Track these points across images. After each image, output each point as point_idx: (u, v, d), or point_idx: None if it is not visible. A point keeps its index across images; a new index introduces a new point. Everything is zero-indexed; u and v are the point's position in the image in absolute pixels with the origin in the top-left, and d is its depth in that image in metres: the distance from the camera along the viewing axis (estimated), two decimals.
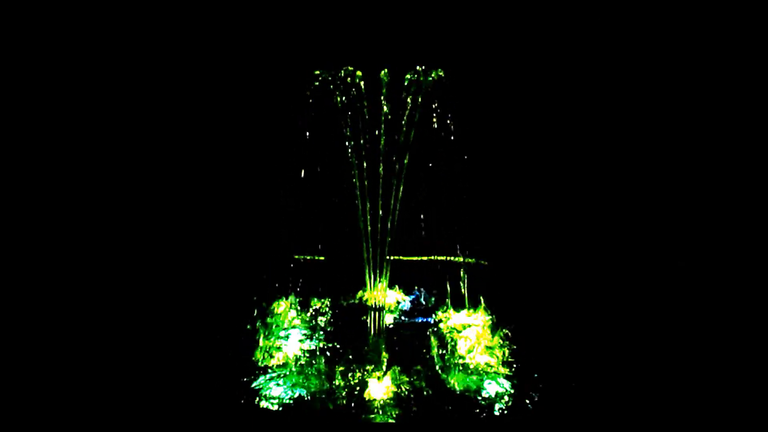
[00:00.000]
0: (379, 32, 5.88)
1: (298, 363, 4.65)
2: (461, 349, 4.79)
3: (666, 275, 6.10)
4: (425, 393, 4.39)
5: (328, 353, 4.74)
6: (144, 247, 6.20)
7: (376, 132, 4.86)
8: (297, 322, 5.11)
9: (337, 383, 4.44)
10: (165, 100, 6.32)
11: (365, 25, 5.96)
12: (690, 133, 6.34)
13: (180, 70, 6.33)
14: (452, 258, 5.39)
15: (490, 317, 5.18)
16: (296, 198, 5.19)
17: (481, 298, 5.25)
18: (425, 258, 5.60)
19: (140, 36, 6.21)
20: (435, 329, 4.98)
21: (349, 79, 4.92)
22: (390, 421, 4.17)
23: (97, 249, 6.10)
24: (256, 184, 6.21)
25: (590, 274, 6.13)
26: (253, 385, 4.45)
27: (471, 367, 4.64)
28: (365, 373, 4.52)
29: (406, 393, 4.38)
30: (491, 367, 4.66)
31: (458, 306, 5.31)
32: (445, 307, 5.34)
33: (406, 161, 4.91)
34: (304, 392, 4.38)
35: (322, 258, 5.50)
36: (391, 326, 5.01)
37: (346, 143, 4.90)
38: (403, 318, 5.21)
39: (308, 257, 5.47)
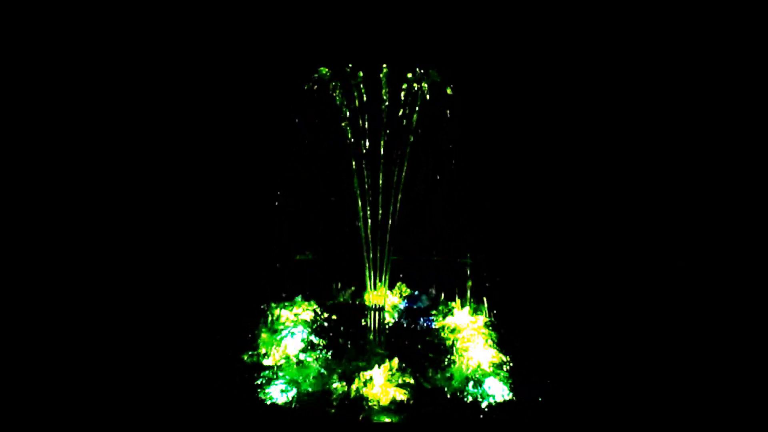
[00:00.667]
0: (379, 32, 5.89)
1: (298, 363, 4.66)
2: (460, 348, 4.79)
3: (666, 275, 6.09)
4: (424, 393, 4.39)
5: (328, 353, 4.75)
6: (144, 247, 6.21)
7: (376, 131, 4.87)
8: (297, 321, 5.11)
9: (336, 383, 4.45)
10: (164, 100, 6.32)
11: (365, 25, 5.96)
12: (690, 133, 6.34)
13: (180, 70, 6.34)
14: (452, 258, 5.39)
15: (489, 317, 5.19)
16: (296, 198, 5.19)
17: (481, 298, 5.26)
18: (425, 258, 5.60)
19: (139, 35, 6.21)
20: (434, 329, 4.98)
21: (349, 78, 4.93)
22: (390, 420, 4.18)
23: (97, 250, 6.10)
24: (256, 184, 6.21)
25: (590, 274, 6.13)
26: (253, 385, 4.46)
27: (470, 366, 4.64)
28: (365, 372, 4.53)
29: (406, 392, 4.38)
30: (490, 366, 4.67)
31: (458, 305, 5.32)
32: (444, 307, 5.35)
33: (405, 161, 4.92)
34: (304, 392, 4.39)
35: (322, 258, 5.50)
36: (391, 326, 5.01)
37: (346, 143, 4.91)
38: (402, 318, 5.21)
39: (308, 257, 5.47)
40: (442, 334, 4.96)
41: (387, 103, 4.88)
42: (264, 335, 4.96)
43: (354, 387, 4.38)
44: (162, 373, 4.53)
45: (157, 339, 4.99)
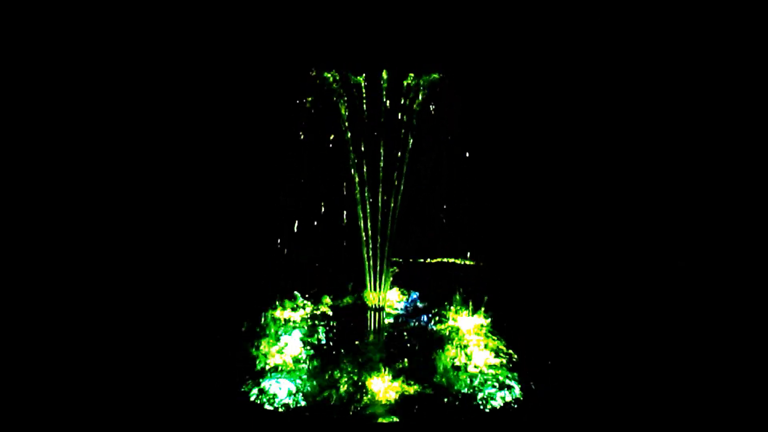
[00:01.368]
0: (379, 32, 5.87)
1: (298, 363, 4.66)
2: (458, 347, 4.79)
3: (666, 275, 6.09)
4: (424, 393, 4.39)
5: (328, 354, 4.75)
6: (144, 247, 6.21)
7: (376, 131, 4.87)
8: (297, 321, 5.12)
9: (336, 384, 4.45)
10: (164, 100, 6.31)
11: (365, 26, 5.95)
12: (690, 133, 6.33)
13: (180, 71, 6.33)
14: (452, 259, 5.39)
15: (490, 317, 5.19)
16: (296, 198, 5.19)
17: (482, 298, 5.26)
18: (425, 259, 5.60)
19: (138, 35, 6.20)
20: (434, 329, 4.98)
21: (349, 78, 4.92)
22: (390, 421, 4.18)
23: (96, 250, 6.10)
24: (256, 185, 6.21)
25: (590, 274, 6.13)
26: (252, 386, 4.46)
27: (470, 367, 4.64)
28: (365, 373, 4.53)
29: (405, 393, 4.38)
30: (490, 367, 4.67)
31: (458, 306, 5.32)
32: (444, 308, 5.35)
33: (405, 162, 4.92)
34: (302, 393, 4.39)
35: (322, 258, 5.50)
36: (391, 326, 5.01)
37: (346, 143, 4.90)
38: (402, 318, 5.21)
39: (308, 257, 5.47)
40: (442, 335, 4.96)
41: (387, 103, 4.87)
42: (263, 335, 4.96)
43: (353, 389, 4.38)
44: (160, 373, 4.53)
45: (156, 339, 4.99)
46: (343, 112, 4.91)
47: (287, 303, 5.29)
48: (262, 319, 5.10)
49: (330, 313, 5.14)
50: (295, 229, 5.24)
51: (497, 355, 4.78)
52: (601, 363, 4.82)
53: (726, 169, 6.28)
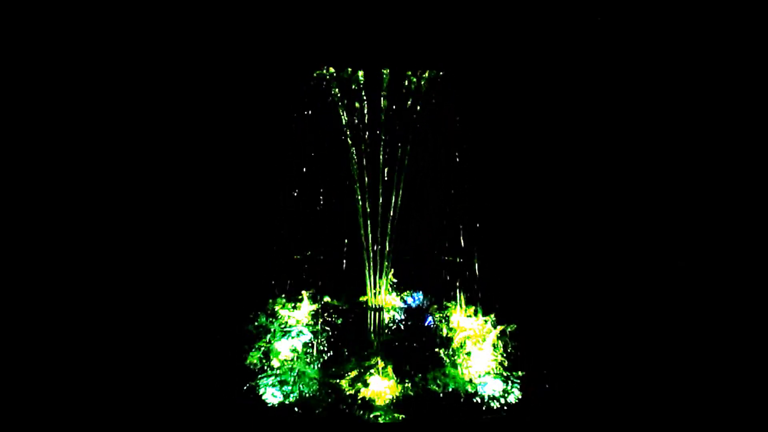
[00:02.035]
0: (379, 32, 5.87)
1: (298, 363, 4.65)
2: (459, 347, 4.79)
3: (666, 275, 6.09)
4: (424, 392, 4.39)
5: (328, 353, 4.74)
6: (145, 248, 6.21)
7: (376, 131, 4.87)
8: (297, 321, 5.11)
9: (336, 383, 4.45)
10: (164, 101, 6.31)
11: (366, 26, 5.95)
12: (689, 133, 6.33)
13: (180, 71, 6.33)
14: (451, 258, 5.39)
15: (489, 317, 5.18)
16: (296, 198, 5.19)
17: (482, 297, 5.26)
18: (425, 258, 5.59)
19: (137, 35, 6.20)
20: (434, 329, 4.98)
21: (349, 78, 4.92)
22: (390, 421, 4.18)
23: (98, 250, 6.10)
24: (256, 185, 6.20)
25: (590, 274, 6.13)
26: (252, 386, 4.46)
27: (469, 366, 4.64)
28: (365, 372, 4.53)
29: (405, 392, 4.39)
30: (489, 366, 4.67)
31: (458, 306, 5.31)
32: (444, 307, 5.34)
33: (405, 161, 4.92)
34: (303, 393, 4.39)
35: (322, 258, 5.49)
36: (391, 326, 5.00)
37: (347, 143, 4.90)
38: (402, 318, 5.20)
39: (308, 258, 5.46)
40: (442, 334, 4.95)
41: (386, 104, 4.87)
42: (264, 336, 4.95)
43: (353, 388, 4.38)
44: (162, 374, 4.54)
45: (158, 339, 4.99)
46: (342, 111, 4.91)
47: (287, 303, 5.29)
48: (263, 320, 5.09)
49: (330, 313, 5.13)
50: (295, 230, 5.23)
51: (498, 355, 4.78)
52: (601, 363, 4.82)
53: (726, 169, 6.28)
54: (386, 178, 4.90)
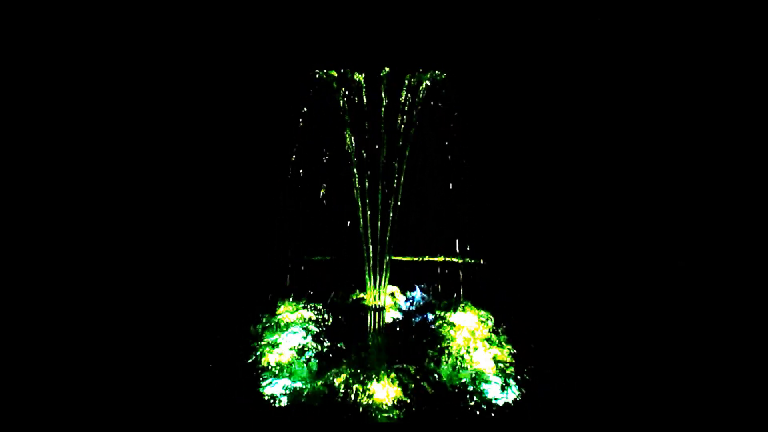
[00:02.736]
0: (379, 33, 5.89)
1: (299, 363, 4.66)
2: (459, 347, 4.79)
3: (666, 275, 6.09)
4: (423, 391, 4.39)
5: (328, 353, 4.75)
6: (146, 248, 6.22)
7: (376, 132, 4.88)
8: (297, 321, 5.12)
9: (337, 382, 4.45)
10: (165, 101, 6.33)
11: (366, 26, 5.96)
12: (689, 133, 6.34)
13: (181, 71, 6.34)
14: (451, 258, 5.40)
15: (488, 316, 5.19)
16: (296, 199, 5.20)
17: (482, 297, 5.26)
18: (424, 258, 5.61)
19: (137, 36, 6.22)
20: (434, 328, 4.98)
21: (350, 79, 4.93)
22: (390, 421, 4.18)
23: (99, 250, 6.11)
24: (256, 185, 6.22)
25: (591, 273, 6.13)
26: (252, 385, 4.46)
27: (468, 365, 4.64)
28: (365, 372, 4.54)
29: (405, 391, 4.39)
30: (488, 365, 4.67)
31: (457, 305, 5.32)
32: (443, 306, 5.35)
33: (405, 162, 4.93)
34: (304, 393, 4.39)
35: (322, 258, 5.51)
36: (391, 326, 5.01)
37: (347, 144, 4.91)
38: (402, 318, 5.21)
39: (308, 257, 5.48)
40: (442, 334, 4.96)
41: (387, 104, 4.88)
42: (264, 336, 4.96)
43: (352, 388, 4.39)
44: (162, 374, 4.54)
45: (158, 339, 5.00)
46: (342, 111, 4.92)
47: (287, 303, 5.30)
48: (263, 320, 5.10)
49: (331, 312, 5.14)
50: (296, 229, 5.24)
51: (497, 354, 4.79)
52: (601, 362, 4.82)
53: (725, 169, 6.28)
54: (386, 178, 4.91)
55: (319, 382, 4.47)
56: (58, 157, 6.17)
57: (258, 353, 4.79)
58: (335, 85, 4.92)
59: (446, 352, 4.74)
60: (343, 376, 4.48)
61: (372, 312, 4.96)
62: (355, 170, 4.93)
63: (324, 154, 5.16)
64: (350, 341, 4.84)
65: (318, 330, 4.98)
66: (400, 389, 4.41)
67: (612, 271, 6.15)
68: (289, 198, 5.21)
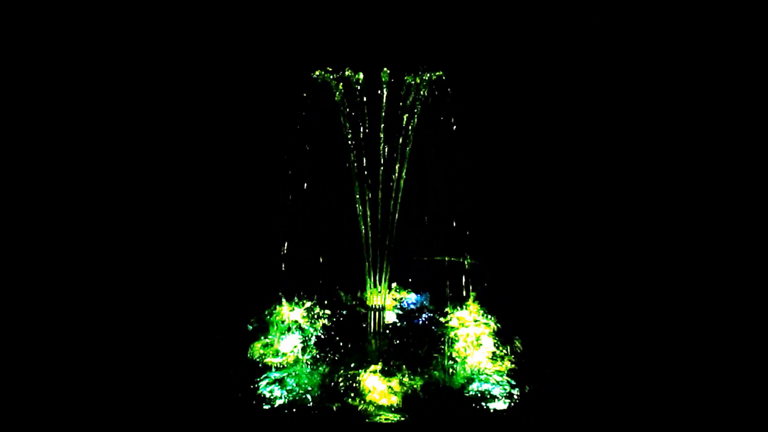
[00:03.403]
0: (379, 33, 5.89)
1: (299, 363, 4.66)
2: (460, 347, 4.79)
3: (666, 275, 6.09)
4: (424, 391, 4.40)
5: (329, 353, 4.75)
6: (146, 248, 6.22)
7: (376, 132, 4.88)
8: (297, 321, 5.12)
9: (337, 382, 4.45)
10: (166, 101, 6.33)
11: (366, 27, 5.97)
12: (689, 133, 6.34)
13: (182, 72, 6.35)
14: (451, 258, 5.39)
15: (490, 316, 5.19)
16: (296, 198, 5.20)
17: (482, 297, 5.26)
18: (425, 258, 5.60)
19: (137, 36, 6.22)
20: (435, 328, 4.98)
21: (349, 80, 4.93)
22: (390, 421, 4.18)
23: (99, 250, 6.12)
24: (257, 186, 6.22)
25: (590, 274, 6.13)
26: (252, 385, 4.46)
27: (469, 365, 4.64)
28: (366, 372, 4.54)
29: (406, 392, 4.39)
30: (489, 365, 4.67)
31: (458, 305, 5.32)
32: (444, 307, 5.34)
33: (405, 162, 4.93)
34: (304, 391, 4.39)
35: (322, 258, 5.50)
36: (391, 326, 5.01)
37: (347, 144, 4.91)
38: (403, 318, 5.21)
39: (308, 257, 5.47)
40: (443, 334, 4.96)
41: (386, 104, 4.88)
42: (264, 335, 4.97)
43: (353, 389, 4.39)
44: (162, 373, 4.54)
45: (158, 338, 5.00)
46: (342, 111, 4.92)
47: (289, 303, 5.29)
48: (264, 318, 5.10)
49: (331, 313, 5.14)
50: (296, 230, 5.24)
51: (496, 354, 4.79)
52: (600, 362, 4.82)
53: (725, 169, 6.28)
54: (386, 178, 4.91)
55: (317, 382, 4.48)
56: (58, 157, 6.18)
57: (258, 351, 4.79)
58: (333, 83, 4.92)
59: (446, 352, 4.74)
60: (342, 375, 4.49)
61: (372, 312, 4.96)
62: (355, 170, 4.93)
63: (324, 154, 5.15)
64: (350, 341, 4.83)
65: (318, 330, 4.98)
66: (399, 389, 4.41)
67: (612, 271, 6.15)
68: (289, 198, 5.20)
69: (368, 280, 5.00)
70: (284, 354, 4.75)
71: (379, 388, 4.43)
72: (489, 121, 6.16)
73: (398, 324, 5.07)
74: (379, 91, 4.87)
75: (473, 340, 4.89)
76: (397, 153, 4.92)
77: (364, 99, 4.92)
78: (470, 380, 4.57)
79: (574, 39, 6.29)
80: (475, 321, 5.12)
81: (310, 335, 4.91)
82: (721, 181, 6.27)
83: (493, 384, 4.52)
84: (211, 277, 5.90)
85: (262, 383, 4.50)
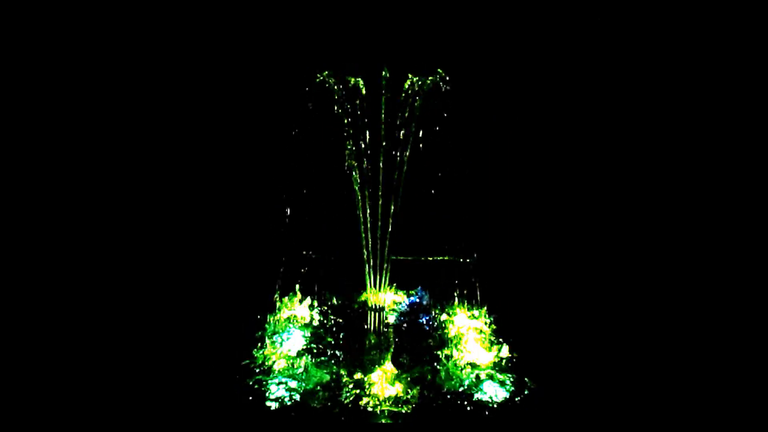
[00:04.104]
0: (379, 33, 5.90)
1: (299, 363, 4.66)
2: (460, 348, 4.79)
3: (665, 274, 6.10)
4: (425, 392, 4.40)
5: (329, 353, 4.75)
6: (147, 248, 6.23)
7: (376, 131, 4.88)
8: (297, 321, 5.13)
9: (337, 383, 4.45)
10: (167, 101, 6.34)
11: (366, 27, 5.98)
12: (689, 133, 6.35)
13: (182, 72, 6.35)
14: (452, 258, 5.40)
15: (490, 317, 5.20)
16: (296, 198, 5.21)
17: (482, 297, 5.27)
18: (425, 258, 5.61)
19: (137, 36, 6.23)
20: (434, 329, 4.98)
21: (349, 78, 4.94)
22: (390, 421, 4.19)
23: (100, 250, 6.12)
24: (257, 184, 6.23)
25: (589, 273, 6.14)
26: (254, 385, 4.46)
27: (470, 365, 4.64)
28: (366, 372, 4.54)
29: (406, 392, 4.39)
30: (490, 365, 4.67)
31: (458, 305, 5.33)
32: (444, 307, 5.35)
33: (405, 161, 4.93)
34: (304, 393, 4.39)
35: (322, 258, 5.51)
36: (391, 326, 5.01)
37: (346, 143, 4.92)
38: (402, 318, 5.21)
39: (308, 257, 5.48)
40: (443, 334, 4.96)
41: (386, 103, 4.89)
42: (263, 335, 4.97)
43: (353, 390, 4.39)
44: (163, 373, 4.54)
45: (159, 338, 5.00)
46: (342, 111, 4.92)
47: (288, 302, 5.30)
48: (266, 319, 5.11)
49: (331, 312, 5.14)
50: (295, 229, 5.25)
51: (497, 354, 4.79)
52: (599, 365, 4.82)
53: (724, 169, 6.29)
54: (386, 177, 4.91)
55: (319, 381, 4.48)
56: (59, 157, 6.19)
57: (258, 351, 4.79)
58: (332, 81, 4.93)
59: (446, 352, 4.74)
60: (342, 374, 4.49)
61: (372, 312, 4.96)
62: (355, 170, 4.93)
63: (323, 154, 5.16)
64: (351, 341, 4.84)
65: (317, 330, 4.98)
66: (399, 389, 4.42)
67: (612, 271, 6.16)
68: (288, 197, 5.21)
69: (368, 280, 5.01)
70: (287, 355, 4.75)
71: (377, 389, 4.43)
72: (489, 121, 6.17)
73: (398, 324, 5.07)
74: (379, 91, 4.88)
75: (473, 340, 4.90)
76: (398, 152, 4.93)
77: (364, 98, 4.92)
78: (469, 380, 4.56)
79: (574, 39, 6.30)
80: (476, 321, 5.13)
81: (310, 335, 4.91)
82: (721, 181, 6.28)
83: (494, 384, 4.52)
84: (212, 278, 5.90)
85: (263, 382, 4.49)
